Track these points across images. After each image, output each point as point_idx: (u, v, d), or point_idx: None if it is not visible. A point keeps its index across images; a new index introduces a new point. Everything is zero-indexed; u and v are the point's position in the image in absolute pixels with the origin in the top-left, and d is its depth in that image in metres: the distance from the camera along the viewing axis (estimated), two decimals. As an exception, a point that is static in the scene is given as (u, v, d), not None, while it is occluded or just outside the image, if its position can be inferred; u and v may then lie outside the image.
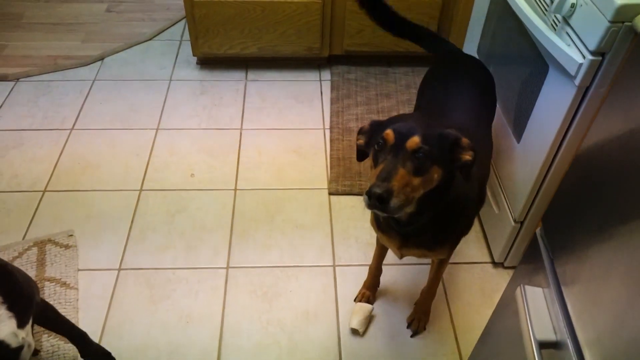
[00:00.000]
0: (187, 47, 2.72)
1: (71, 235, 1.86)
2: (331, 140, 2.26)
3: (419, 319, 1.64)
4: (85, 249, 1.83)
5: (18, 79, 2.53)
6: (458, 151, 1.09)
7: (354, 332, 1.62)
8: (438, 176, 1.07)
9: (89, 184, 2.05)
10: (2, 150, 2.18)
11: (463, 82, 1.53)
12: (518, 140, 1.59)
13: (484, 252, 1.87)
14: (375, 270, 1.67)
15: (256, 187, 2.07)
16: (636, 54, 0.83)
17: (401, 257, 1.37)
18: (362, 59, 2.67)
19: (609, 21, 1.13)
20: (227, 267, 1.80)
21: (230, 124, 2.34)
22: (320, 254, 1.85)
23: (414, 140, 1.03)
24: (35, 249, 1.80)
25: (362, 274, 1.75)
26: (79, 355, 1.48)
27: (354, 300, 1.70)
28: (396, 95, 2.51)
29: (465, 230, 1.36)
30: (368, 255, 1.83)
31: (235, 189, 2.06)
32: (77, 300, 1.68)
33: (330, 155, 2.20)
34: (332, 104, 2.44)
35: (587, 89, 1.26)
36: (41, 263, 1.76)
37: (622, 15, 1.12)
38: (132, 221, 1.93)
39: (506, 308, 1.13)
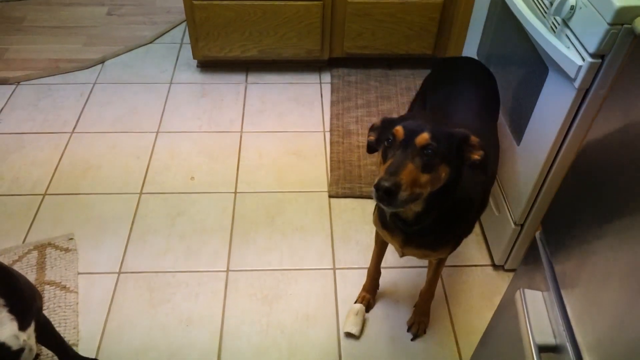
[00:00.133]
0: (187, 50, 2.73)
1: (71, 239, 1.86)
2: (331, 143, 2.26)
3: (419, 322, 1.63)
4: (85, 252, 1.83)
5: (19, 82, 2.54)
6: (467, 150, 1.10)
7: (350, 335, 1.62)
8: (446, 174, 1.08)
9: (89, 187, 2.05)
10: (3, 153, 2.18)
11: (465, 84, 1.54)
12: (518, 143, 1.59)
13: (485, 255, 1.87)
14: (374, 273, 1.67)
15: (256, 189, 2.07)
16: (636, 56, 0.83)
17: (402, 255, 1.37)
18: (363, 62, 2.67)
19: (609, 23, 1.13)
20: (227, 270, 1.79)
21: (230, 127, 2.34)
22: (321, 257, 1.84)
23: (424, 137, 1.04)
24: (35, 253, 1.80)
25: (362, 277, 1.75)
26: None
27: (355, 303, 1.70)
28: (396, 97, 2.51)
29: (467, 231, 1.37)
30: (368, 258, 1.82)
31: (236, 192, 2.06)
32: (77, 303, 1.68)
33: (331, 157, 2.20)
34: (332, 106, 2.44)
35: (587, 91, 1.26)
36: (41, 267, 1.76)
37: (621, 18, 1.12)
38: (132, 224, 1.93)
39: (506, 311, 1.12)
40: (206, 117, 2.39)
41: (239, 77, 2.62)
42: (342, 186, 2.07)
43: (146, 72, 2.63)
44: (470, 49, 1.99)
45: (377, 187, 0.99)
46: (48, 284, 1.71)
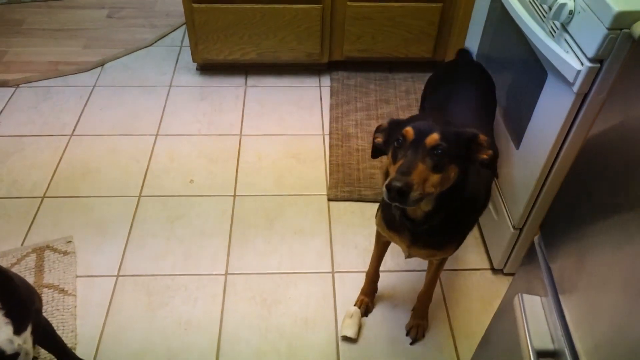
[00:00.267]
0: (187, 53, 2.73)
1: (70, 242, 1.85)
2: (330, 146, 2.26)
3: (418, 326, 1.63)
4: (84, 255, 1.83)
5: (19, 84, 2.54)
6: (476, 149, 1.12)
7: (347, 339, 1.61)
8: (455, 174, 1.10)
9: (88, 190, 2.05)
10: (2, 155, 2.18)
11: (465, 86, 1.56)
12: (517, 146, 1.59)
13: (484, 259, 1.86)
14: (373, 276, 1.67)
15: (255, 193, 2.07)
16: (634, 60, 0.83)
17: (408, 256, 1.38)
18: (362, 65, 2.67)
19: (607, 28, 1.13)
20: (226, 274, 1.79)
21: (229, 130, 2.34)
22: (320, 261, 1.84)
23: (433, 137, 1.05)
24: (33, 256, 1.80)
25: (362, 280, 1.75)
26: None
27: (354, 306, 1.70)
28: (396, 101, 2.51)
29: (470, 229, 1.38)
30: (367, 261, 1.82)
31: (235, 195, 2.06)
32: (76, 307, 1.68)
33: (330, 161, 2.20)
34: (331, 109, 2.45)
35: (586, 95, 1.26)
36: (39, 269, 1.76)
37: (620, 22, 1.12)
38: (131, 227, 1.92)
39: (504, 316, 1.12)
40: (205, 120, 2.39)
41: (238, 80, 2.62)
42: (341, 189, 2.07)
43: (146, 75, 2.63)
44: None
45: (389, 187, 1.01)
46: (46, 287, 1.71)
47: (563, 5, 1.25)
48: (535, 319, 0.91)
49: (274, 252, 1.87)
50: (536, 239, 1.02)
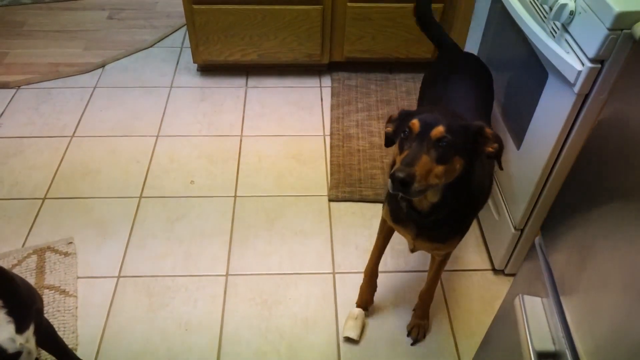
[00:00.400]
0: (187, 54, 2.73)
1: (70, 243, 1.86)
2: (331, 147, 2.26)
3: (419, 327, 1.63)
4: (84, 257, 1.83)
5: (19, 86, 2.54)
6: (482, 142, 1.13)
7: (349, 340, 1.61)
8: (460, 166, 1.11)
9: (89, 191, 2.05)
10: (3, 157, 2.19)
11: (463, 77, 1.57)
12: (518, 147, 1.58)
13: (485, 259, 1.86)
14: (371, 271, 1.64)
15: (256, 193, 2.07)
16: (635, 61, 0.83)
17: (413, 249, 1.40)
18: (363, 66, 2.67)
19: (608, 29, 1.13)
20: (227, 275, 1.79)
21: (230, 131, 2.34)
22: (320, 261, 1.84)
23: (439, 130, 1.07)
24: (34, 257, 1.80)
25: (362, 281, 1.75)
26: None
27: (356, 304, 1.70)
28: (396, 101, 2.51)
29: (471, 222, 1.39)
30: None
31: (235, 196, 2.06)
32: (76, 308, 1.68)
33: (331, 161, 2.19)
34: (332, 110, 2.45)
35: (587, 96, 1.26)
36: (40, 271, 1.76)
37: (620, 23, 1.12)
38: (131, 228, 1.93)
39: (505, 317, 1.12)
40: (206, 121, 2.39)
41: (239, 81, 2.62)
42: (342, 190, 2.07)
43: (146, 76, 2.63)
44: (470, 53, 1.99)
45: (393, 177, 1.03)
46: (47, 288, 1.71)
47: (564, 5, 1.25)
48: (536, 320, 0.91)
49: (275, 252, 1.86)
50: (537, 239, 1.02)
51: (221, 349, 1.60)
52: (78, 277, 1.77)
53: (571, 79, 1.25)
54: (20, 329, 1.14)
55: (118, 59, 2.73)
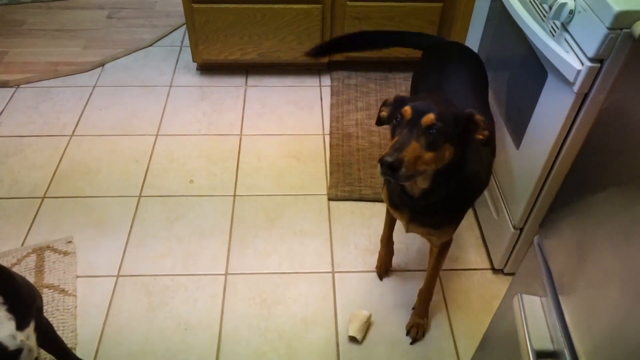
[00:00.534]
0: (187, 53, 2.73)
1: (70, 242, 1.85)
2: (331, 146, 2.25)
3: (418, 326, 1.63)
4: (84, 256, 1.83)
5: (19, 85, 2.54)
6: (473, 129, 1.16)
7: (352, 339, 1.61)
8: (450, 153, 1.14)
9: (88, 190, 2.05)
10: (2, 156, 2.19)
11: (456, 66, 1.59)
12: (517, 146, 1.58)
13: (484, 258, 1.86)
14: (387, 240, 1.72)
15: (255, 193, 2.07)
16: (634, 60, 0.83)
17: (407, 231, 1.43)
18: (362, 65, 2.67)
19: (608, 28, 1.13)
20: (226, 274, 1.79)
21: (230, 130, 2.34)
22: (320, 261, 1.84)
23: (429, 117, 1.10)
24: (34, 256, 1.80)
25: (362, 281, 1.75)
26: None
27: (375, 268, 1.79)
28: (396, 100, 2.50)
29: (466, 210, 1.42)
30: (367, 262, 1.83)
31: (235, 195, 2.06)
32: (76, 307, 1.68)
33: (330, 160, 2.19)
34: (332, 109, 2.44)
35: (586, 95, 1.26)
36: (40, 270, 1.76)
37: (620, 22, 1.12)
38: (131, 227, 1.92)
39: (504, 316, 1.12)
40: (205, 120, 2.39)
41: (238, 80, 2.62)
42: (341, 189, 2.07)
43: (146, 75, 2.63)
44: (470, 53, 1.99)
45: (381, 162, 1.06)
46: (47, 287, 1.71)
47: (563, 5, 1.25)
48: (535, 319, 0.91)
49: (274, 252, 1.86)
50: (535, 239, 1.02)
51: (220, 348, 1.60)
52: (77, 276, 1.77)
53: (570, 78, 1.25)
54: (21, 326, 1.14)
55: (117, 58, 2.73)
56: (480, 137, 1.15)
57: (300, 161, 2.20)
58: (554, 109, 1.36)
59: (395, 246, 1.77)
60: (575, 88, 1.24)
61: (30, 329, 1.18)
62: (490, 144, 1.19)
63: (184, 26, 2.94)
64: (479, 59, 1.67)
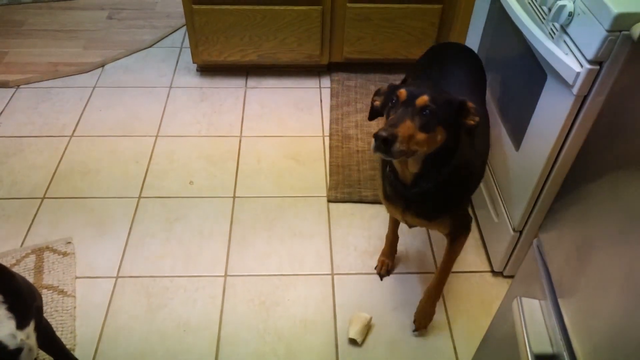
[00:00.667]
0: (187, 54, 2.73)
1: (69, 243, 1.85)
2: (330, 148, 2.25)
3: (424, 317, 1.62)
4: (83, 256, 1.83)
5: (19, 85, 2.54)
6: (464, 115, 1.19)
7: (352, 342, 1.61)
8: (442, 137, 1.18)
9: (88, 191, 2.05)
10: (2, 156, 2.18)
11: (454, 65, 1.62)
12: (517, 148, 1.58)
13: (483, 261, 1.86)
14: (392, 237, 1.73)
15: (255, 194, 2.07)
16: (634, 62, 0.83)
17: (403, 222, 1.47)
18: (362, 66, 2.67)
19: (607, 30, 1.13)
20: (225, 275, 1.79)
21: (229, 131, 2.34)
22: (319, 262, 1.84)
23: (423, 99, 1.14)
24: (33, 256, 1.80)
25: (361, 283, 1.75)
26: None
27: (375, 269, 1.79)
28: (396, 102, 2.51)
29: (462, 203, 1.44)
30: (367, 264, 1.83)
31: (234, 197, 2.06)
32: (75, 308, 1.68)
33: (330, 162, 2.19)
34: (331, 111, 2.44)
35: (585, 97, 1.26)
36: (39, 270, 1.76)
37: (619, 24, 1.12)
38: (130, 228, 1.92)
39: (504, 319, 1.12)
40: (205, 121, 2.39)
41: (238, 82, 2.62)
42: (341, 191, 2.07)
43: (146, 76, 2.63)
44: (470, 54, 1.99)
45: (376, 136, 1.08)
46: (46, 288, 1.71)
47: (562, 7, 1.25)
48: (534, 322, 0.91)
49: (274, 253, 1.86)
50: (535, 241, 1.02)
51: (219, 349, 1.60)
52: (76, 277, 1.76)
53: (570, 81, 1.25)
54: (21, 325, 1.14)
55: (117, 59, 2.73)
56: (472, 122, 1.19)
57: (300, 163, 2.20)
58: (553, 110, 1.36)
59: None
60: (575, 90, 1.25)
61: (30, 328, 1.18)
62: (473, 133, 1.21)
63: (184, 27, 2.94)
64: (478, 59, 1.67)
